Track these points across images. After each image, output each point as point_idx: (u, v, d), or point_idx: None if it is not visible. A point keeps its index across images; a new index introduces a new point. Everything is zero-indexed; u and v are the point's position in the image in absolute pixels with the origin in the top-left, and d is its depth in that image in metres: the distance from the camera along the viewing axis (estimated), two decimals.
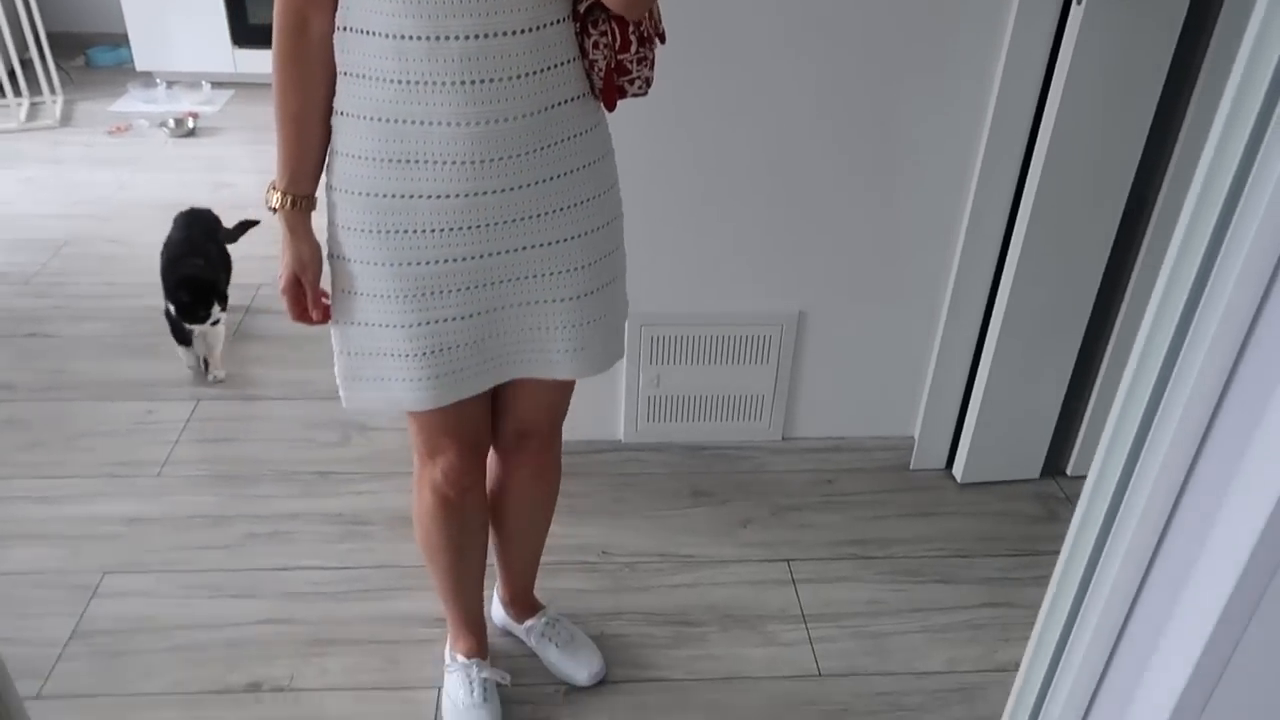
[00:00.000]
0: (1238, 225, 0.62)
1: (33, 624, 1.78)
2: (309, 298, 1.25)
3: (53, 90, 4.14)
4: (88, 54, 4.66)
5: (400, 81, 1.08)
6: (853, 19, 1.79)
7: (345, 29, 1.09)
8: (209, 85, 4.35)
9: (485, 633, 1.68)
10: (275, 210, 1.20)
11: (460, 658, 1.63)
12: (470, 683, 1.60)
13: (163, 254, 2.55)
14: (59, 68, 4.25)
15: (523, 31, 1.07)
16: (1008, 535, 2.08)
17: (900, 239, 2.02)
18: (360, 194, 1.15)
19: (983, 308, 2.08)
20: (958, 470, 2.22)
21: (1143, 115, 1.84)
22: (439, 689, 1.67)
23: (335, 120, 1.15)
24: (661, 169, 1.90)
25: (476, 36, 1.05)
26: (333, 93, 1.14)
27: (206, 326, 2.39)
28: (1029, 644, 0.90)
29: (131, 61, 4.38)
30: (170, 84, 4.39)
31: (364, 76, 1.10)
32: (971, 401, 2.15)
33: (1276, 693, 0.64)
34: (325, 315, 1.27)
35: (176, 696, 1.66)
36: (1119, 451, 0.73)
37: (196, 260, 2.49)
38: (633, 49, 1.14)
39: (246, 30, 4.26)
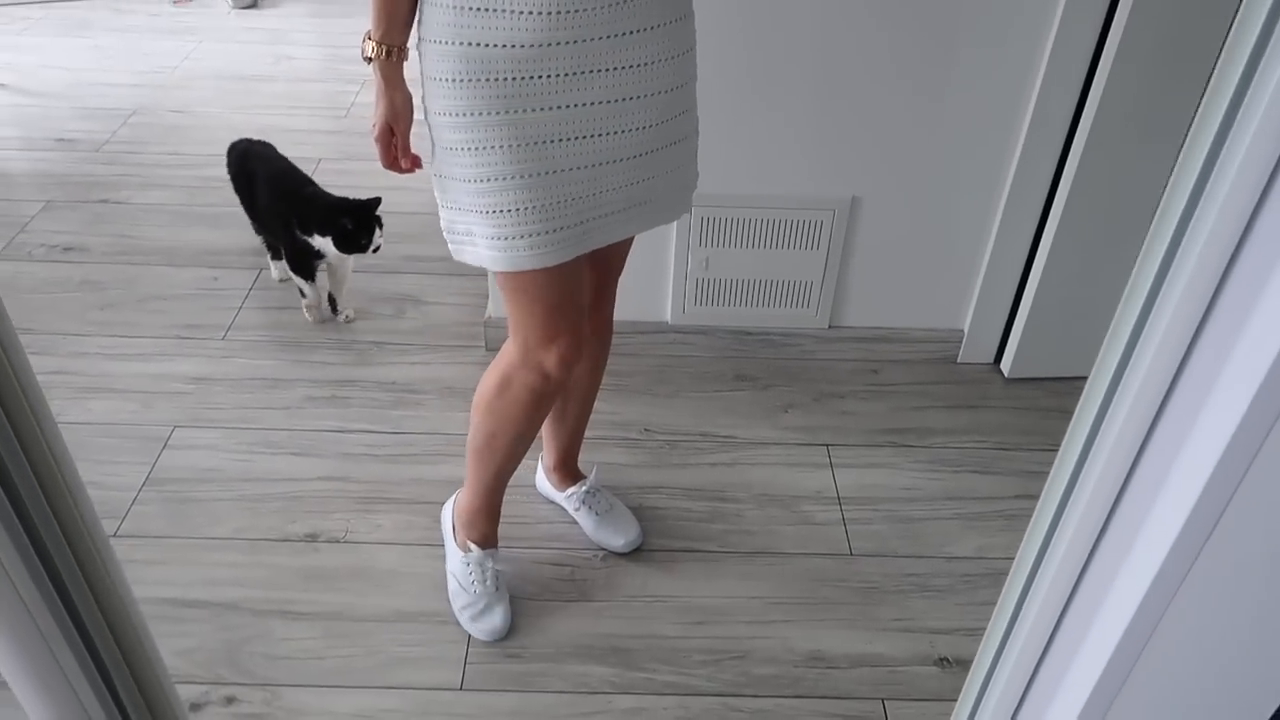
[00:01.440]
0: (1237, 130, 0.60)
1: (110, 470, 1.90)
2: (399, 146, 1.29)
3: None
4: None
5: None
6: None
7: None
8: None
9: (499, 520, 1.69)
10: (370, 60, 1.24)
11: (475, 548, 1.65)
12: (484, 573, 1.64)
13: (270, 187, 2.31)
14: None
15: None
16: (1051, 430, 2.07)
17: (960, 127, 1.96)
18: (443, 42, 1.17)
19: (1043, 200, 2.02)
20: (1006, 365, 2.21)
21: (1217, 30, 1.74)
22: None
23: None
24: (716, 48, 1.86)
25: None
26: None
27: (366, 254, 2.19)
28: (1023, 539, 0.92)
29: None
30: None
31: None
32: (1025, 296, 2.12)
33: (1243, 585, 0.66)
34: (414, 163, 1.32)
35: (241, 541, 1.78)
36: (1116, 346, 0.73)
37: (316, 189, 2.26)
38: None
39: None
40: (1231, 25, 0.60)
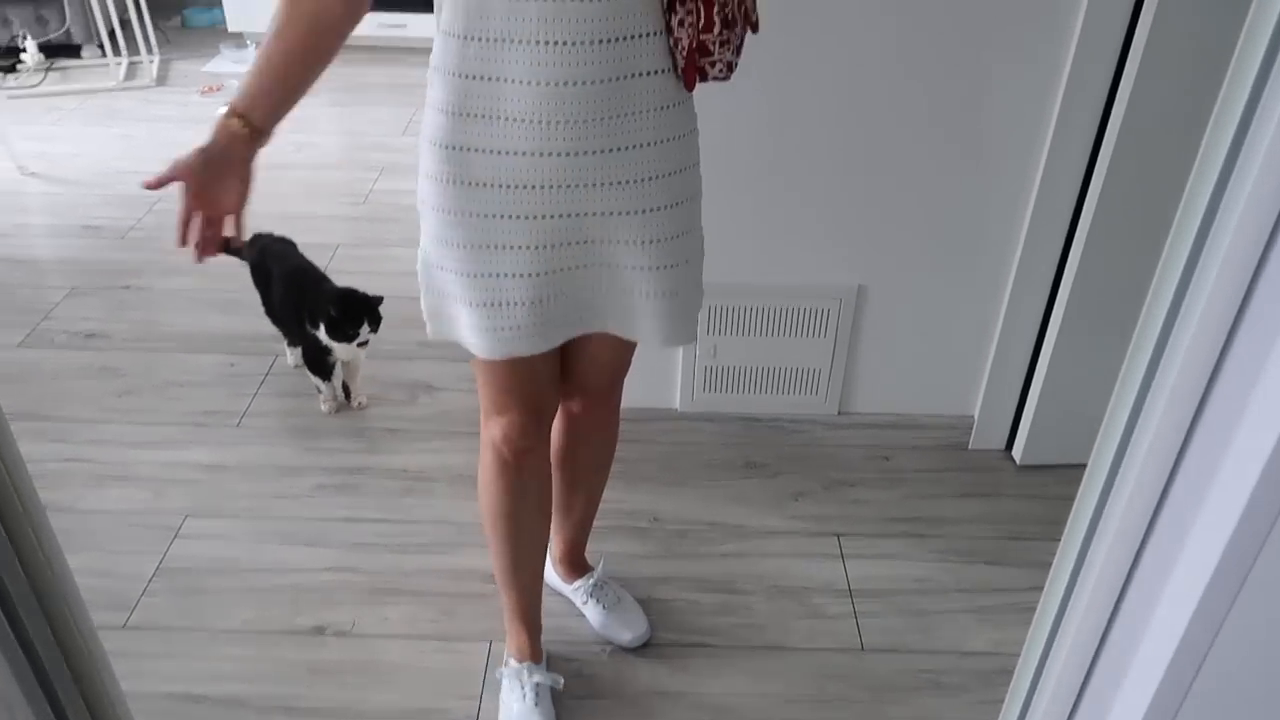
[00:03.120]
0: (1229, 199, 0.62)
1: (121, 560, 1.91)
2: (182, 209, 1.17)
3: (149, 51, 4.30)
4: (184, 15, 4.83)
5: (480, 39, 1.10)
6: None
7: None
8: None
9: (539, 632, 1.66)
10: (217, 122, 1.14)
11: (513, 661, 1.62)
12: (523, 687, 1.60)
13: (285, 284, 2.35)
14: (156, 29, 4.41)
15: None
16: (1065, 520, 2.04)
17: (965, 214, 1.99)
18: (436, 144, 1.18)
19: (1049, 286, 2.04)
20: (1017, 451, 2.20)
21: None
22: (490, 642, 1.75)
23: (429, 75, 1.18)
24: (724, 139, 1.90)
25: None
26: (330, 46, 1.16)
27: (352, 346, 2.22)
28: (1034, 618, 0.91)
29: (224, 22, 4.52)
30: (259, 44, 4.51)
31: (450, 34, 1.13)
32: (1034, 382, 2.12)
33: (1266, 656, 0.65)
34: (206, 248, 1.20)
35: (249, 634, 1.77)
36: (1114, 431, 0.74)
37: (328, 284, 2.29)
38: (716, 29, 1.13)
39: None
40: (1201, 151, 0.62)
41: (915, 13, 1.78)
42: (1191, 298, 0.64)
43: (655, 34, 1.13)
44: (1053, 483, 2.16)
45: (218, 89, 4.13)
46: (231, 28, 4.52)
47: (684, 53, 1.14)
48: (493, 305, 1.24)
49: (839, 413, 2.24)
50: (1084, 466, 2.28)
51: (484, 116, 1.14)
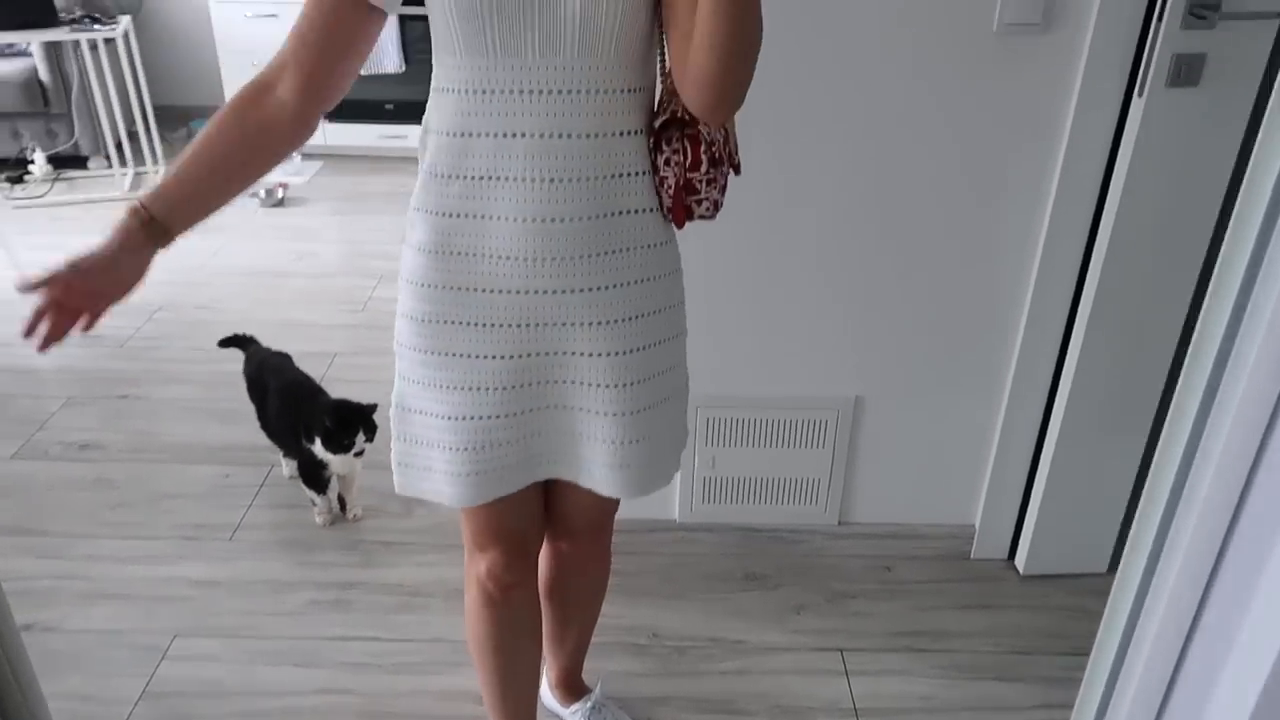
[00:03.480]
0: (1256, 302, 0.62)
1: (106, 683, 1.86)
2: (43, 302, 1.03)
3: (155, 161, 4.40)
4: (190, 126, 4.95)
5: (465, 177, 1.11)
6: (912, 110, 1.82)
7: (426, 130, 1.15)
8: (299, 156, 4.58)
9: None
10: (121, 221, 1.06)
11: None
12: None
13: (281, 399, 2.34)
14: (163, 139, 4.52)
15: (590, 136, 1.09)
16: (1071, 632, 2.02)
17: (959, 323, 2.01)
18: (418, 284, 1.18)
19: (1045, 393, 2.05)
20: (1020, 561, 2.18)
21: (1210, 202, 1.81)
22: None
23: (410, 214, 1.18)
24: (720, 252, 1.94)
25: (544, 135, 1.08)
26: (259, 165, 1.12)
27: (349, 457, 2.21)
28: None
29: None
30: (190, 147, 4.62)
31: (433, 175, 1.13)
32: (1035, 490, 2.11)
33: None
34: (51, 342, 1.06)
35: None
36: (1143, 543, 0.73)
37: (324, 397, 2.29)
38: (703, 168, 1.14)
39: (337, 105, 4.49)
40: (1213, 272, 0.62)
41: (907, 126, 1.83)
42: (1222, 403, 0.64)
43: (642, 173, 1.14)
44: (1057, 593, 2.13)
45: None
46: None
47: (670, 191, 1.15)
48: (475, 449, 1.21)
49: (839, 523, 2.22)
50: (1088, 576, 2.25)
51: (468, 254, 1.14)
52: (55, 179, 4.40)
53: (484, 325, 1.17)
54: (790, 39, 1.73)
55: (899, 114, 1.82)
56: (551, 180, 1.09)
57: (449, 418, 1.21)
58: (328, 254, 3.78)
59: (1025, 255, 1.93)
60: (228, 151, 1.09)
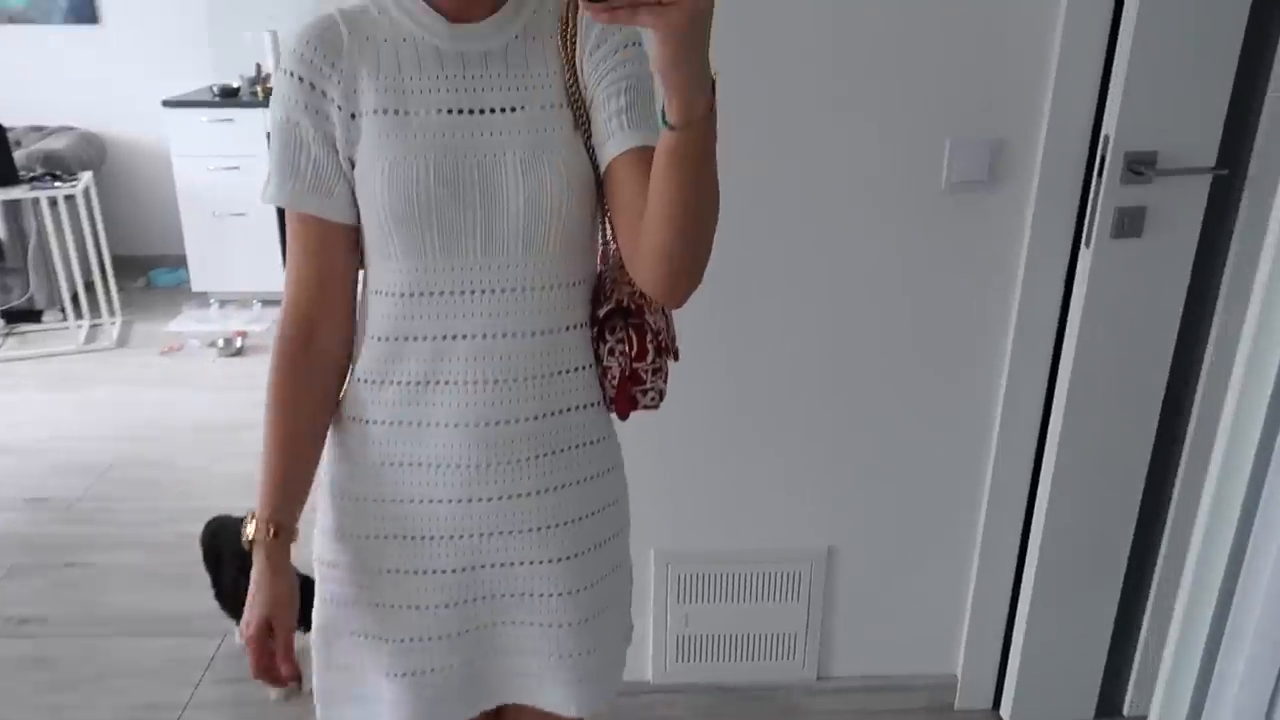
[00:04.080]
0: None
1: None
2: (280, 647, 1.09)
3: (112, 313, 4.36)
4: (149, 275, 4.95)
5: (400, 383, 1.06)
6: (869, 266, 1.86)
7: (359, 335, 1.09)
8: (259, 303, 4.58)
9: None
10: (251, 543, 1.08)
11: None
12: None
13: (236, 567, 2.21)
14: (121, 289, 4.50)
15: (535, 334, 1.05)
16: None
17: (928, 472, 2.00)
18: (348, 498, 1.11)
19: (1019, 537, 2.03)
20: (1005, 710, 2.11)
21: (1163, 348, 1.85)
22: None
23: (335, 422, 1.11)
24: (683, 404, 1.92)
25: (486, 336, 1.04)
26: (332, 410, 1.10)
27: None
28: None
29: (189, 282, 4.64)
30: (223, 303, 4.62)
31: (363, 380, 1.08)
32: (1015, 638, 2.07)
33: None
34: (294, 672, 1.11)
35: None
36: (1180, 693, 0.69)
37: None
38: (649, 358, 1.11)
39: None
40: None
41: (865, 282, 1.86)
42: None
43: (587, 367, 1.10)
44: None
45: (178, 349, 4.17)
46: (195, 287, 4.63)
47: (614, 383, 1.11)
48: (414, 674, 1.12)
49: (818, 677, 2.15)
50: None
51: (405, 465, 1.07)
52: (7, 334, 4.34)
53: (420, 539, 1.09)
54: (744, 204, 1.77)
55: (856, 270, 1.86)
56: (495, 382, 1.04)
57: (382, 639, 1.12)
58: None
59: (988, 404, 1.94)
60: (299, 423, 1.08)
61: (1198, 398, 1.89)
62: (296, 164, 1.02)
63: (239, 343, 4.16)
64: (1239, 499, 1.31)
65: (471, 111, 1.01)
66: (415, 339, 1.05)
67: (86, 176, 4.21)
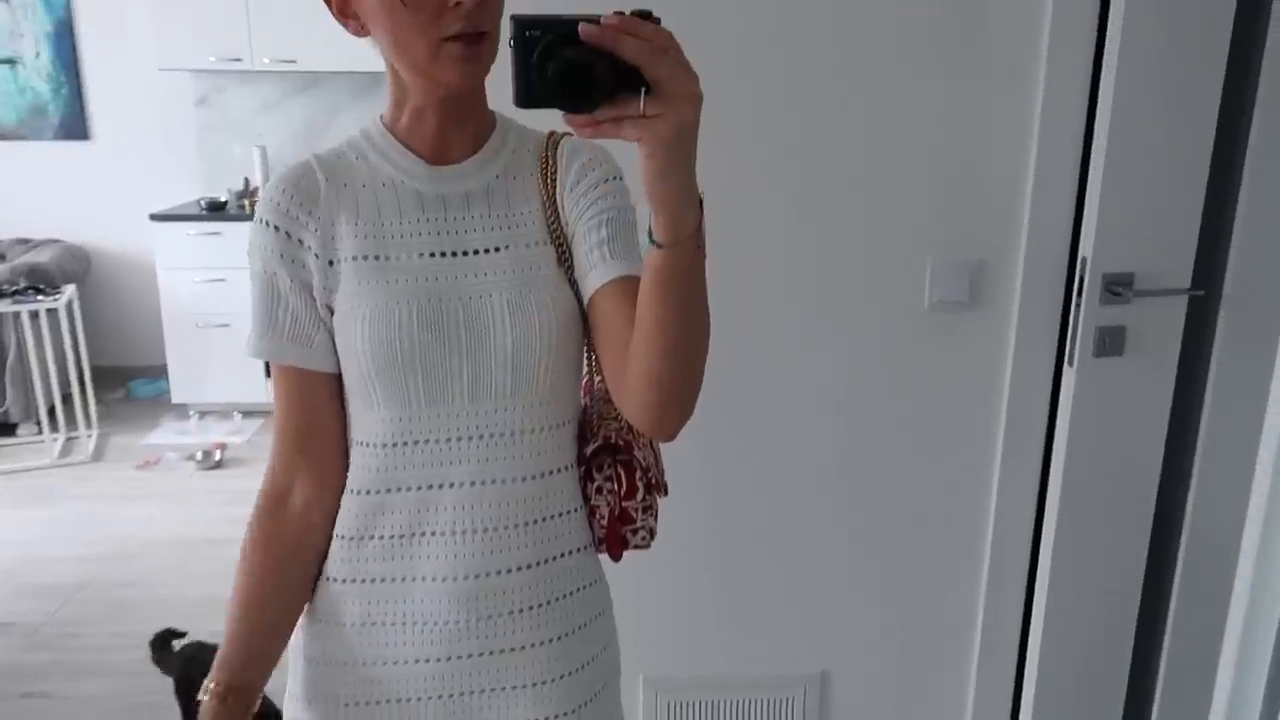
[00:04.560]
0: None
1: None
2: None
3: (89, 425, 4.31)
4: (129, 386, 4.91)
5: (382, 538, 1.01)
6: (854, 385, 1.86)
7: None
8: (239, 415, 4.53)
9: None
10: (198, 703, 1.02)
11: None
12: None
13: None
14: (98, 401, 4.45)
15: (525, 479, 1.01)
16: None
17: (921, 592, 1.97)
18: (318, 663, 1.05)
19: (1016, 654, 1.99)
20: None
21: (1151, 458, 1.85)
22: None
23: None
24: (673, 526, 1.89)
25: (474, 484, 1.00)
26: (308, 575, 1.04)
27: None
28: None
29: (169, 393, 4.60)
30: (203, 415, 4.58)
31: (341, 536, 1.03)
32: None
33: None
34: None
35: None
36: None
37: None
38: (639, 495, 1.07)
39: None
40: None
41: (851, 401, 1.87)
42: None
43: (576, 510, 1.07)
44: None
45: (155, 462, 4.10)
46: (176, 399, 4.59)
47: (604, 523, 1.07)
48: None
49: None
50: None
51: (385, 624, 1.02)
52: None
53: (402, 701, 1.04)
54: (730, 324, 1.78)
55: (843, 389, 1.86)
56: (484, 531, 1.00)
57: None
58: None
59: (979, 521, 1.93)
60: (271, 591, 1.02)
61: (1188, 512, 1.88)
62: (275, 315, 1.00)
63: (218, 455, 4.10)
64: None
65: (455, 254, 1.00)
66: (400, 490, 1.00)
67: (70, 289, 4.21)
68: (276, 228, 0.99)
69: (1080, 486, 1.84)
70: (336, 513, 1.04)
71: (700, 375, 0.92)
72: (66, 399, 4.36)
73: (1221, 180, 1.74)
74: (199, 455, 4.08)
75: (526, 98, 0.74)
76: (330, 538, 1.04)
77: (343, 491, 1.04)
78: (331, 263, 1.00)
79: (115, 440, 4.38)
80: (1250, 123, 1.70)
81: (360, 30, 0.95)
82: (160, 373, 4.73)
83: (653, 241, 0.82)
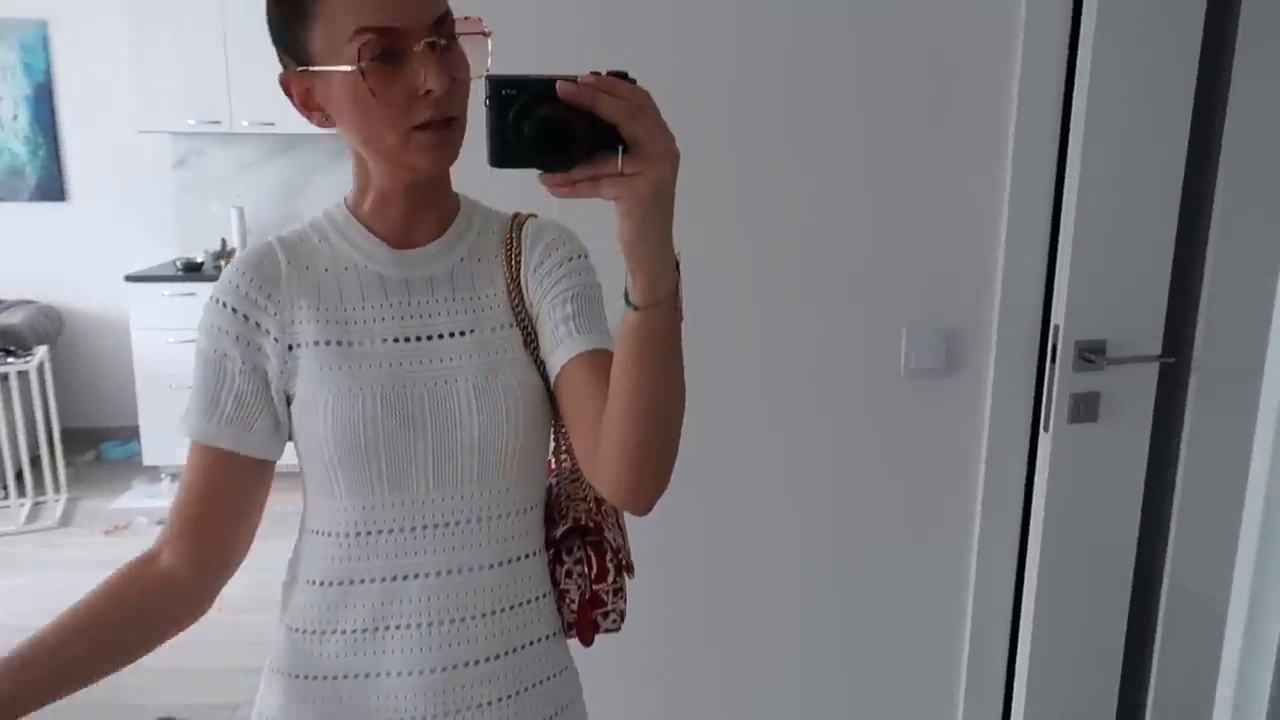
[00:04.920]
0: None
1: None
2: None
3: (57, 490, 4.22)
4: (100, 448, 4.83)
5: (344, 632, 0.98)
6: (831, 455, 1.86)
7: (292, 581, 1.03)
8: None
9: None
10: None
11: None
12: None
13: None
14: (69, 464, 4.37)
15: (492, 567, 0.99)
16: None
17: (899, 662, 1.95)
18: None
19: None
20: None
21: (1129, 522, 1.86)
22: None
23: (264, 676, 1.03)
24: (646, 610, 1.87)
25: (440, 573, 0.97)
26: (149, 639, 0.97)
27: None
28: None
29: (140, 455, 4.53)
30: (174, 476, 4.50)
31: (294, 629, 1.00)
32: None
33: None
34: None
35: None
36: None
37: None
38: (609, 578, 1.06)
39: None
40: None
41: (829, 470, 1.87)
42: None
43: (545, 595, 1.05)
44: None
45: (124, 527, 4.02)
46: (147, 461, 4.52)
47: (574, 607, 1.05)
48: None
49: None
50: None
51: None
52: None
53: None
54: (708, 394, 1.78)
55: (822, 458, 1.86)
56: (451, 622, 0.98)
57: None
58: (228, 588, 3.57)
59: (959, 588, 1.92)
60: (99, 630, 0.93)
61: (1166, 576, 1.88)
62: (218, 396, 0.97)
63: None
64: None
65: (419, 339, 0.98)
66: (362, 582, 0.98)
67: (42, 351, 4.16)
68: (234, 310, 0.97)
69: (1059, 551, 1.83)
70: (199, 604, 0.98)
71: (676, 442, 0.90)
72: (35, 461, 4.28)
73: (1188, 249, 1.77)
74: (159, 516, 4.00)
75: (502, 157, 0.73)
76: (188, 617, 0.98)
77: (220, 578, 0.99)
78: (291, 347, 0.98)
79: (84, 504, 4.29)
80: (1214, 193, 1.74)
81: (325, 121, 0.94)
82: (132, 434, 4.66)
83: (629, 304, 0.80)
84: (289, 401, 0.98)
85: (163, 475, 4.52)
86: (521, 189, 0.87)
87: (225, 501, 0.99)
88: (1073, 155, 1.70)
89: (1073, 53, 1.70)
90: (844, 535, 1.89)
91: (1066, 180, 1.72)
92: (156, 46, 4.41)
